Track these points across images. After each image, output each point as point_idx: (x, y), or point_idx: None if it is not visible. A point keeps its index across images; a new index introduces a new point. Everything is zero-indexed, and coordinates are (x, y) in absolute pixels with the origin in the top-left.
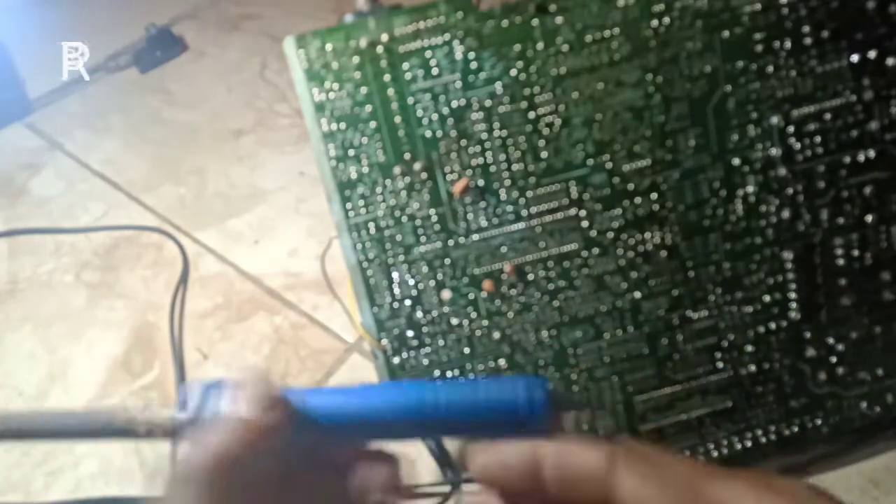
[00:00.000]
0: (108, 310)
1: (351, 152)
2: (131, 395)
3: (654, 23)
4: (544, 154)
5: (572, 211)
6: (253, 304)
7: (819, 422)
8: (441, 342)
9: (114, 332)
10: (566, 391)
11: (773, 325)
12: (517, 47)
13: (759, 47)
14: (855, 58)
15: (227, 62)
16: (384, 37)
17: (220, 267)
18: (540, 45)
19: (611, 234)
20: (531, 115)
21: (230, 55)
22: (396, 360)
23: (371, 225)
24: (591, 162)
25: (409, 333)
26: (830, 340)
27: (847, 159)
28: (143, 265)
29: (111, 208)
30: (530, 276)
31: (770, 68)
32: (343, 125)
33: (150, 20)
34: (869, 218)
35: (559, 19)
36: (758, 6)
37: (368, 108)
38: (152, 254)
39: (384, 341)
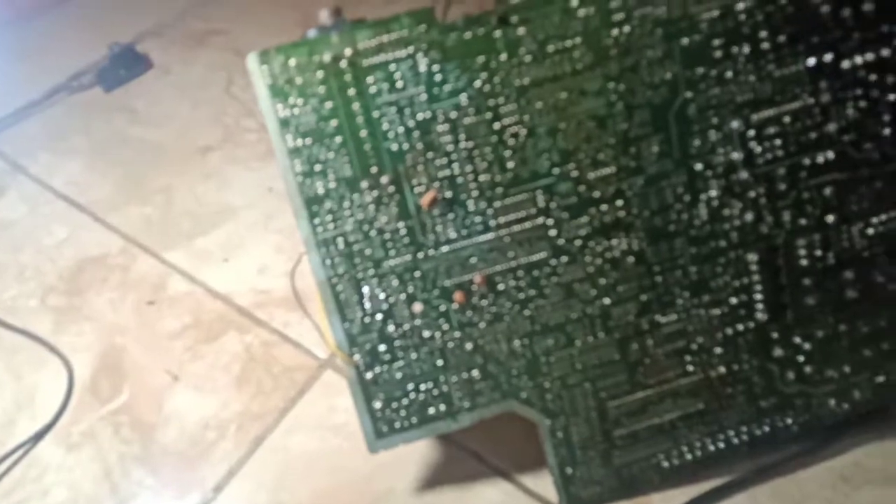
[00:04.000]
0: (75, 334)
1: (317, 167)
2: (100, 420)
3: (615, 31)
4: (510, 164)
5: (540, 220)
6: (223, 323)
7: (789, 421)
8: (414, 355)
9: (81, 356)
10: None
11: (740, 327)
12: (481, 59)
13: (718, 53)
14: (812, 61)
15: (193, 79)
16: (348, 51)
17: (189, 286)
18: (503, 57)
19: (578, 242)
20: (496, 125)
21: (195, 71)
22: (369, 374)
23: (339, 240)
24: (556, 171)
25: (382, 348)
26: (797, 340)
27: (807, 161)
28: (109, 287)
29: (75, 230)
30: (501, 287)
31: (729, 74)
32: (309, 140)
33: (113, 38)
34: (830, 218)
35: (521, 30)
36: (715, 13)
37: (334, 122)
38: (118, 275)
39: (356, 356)
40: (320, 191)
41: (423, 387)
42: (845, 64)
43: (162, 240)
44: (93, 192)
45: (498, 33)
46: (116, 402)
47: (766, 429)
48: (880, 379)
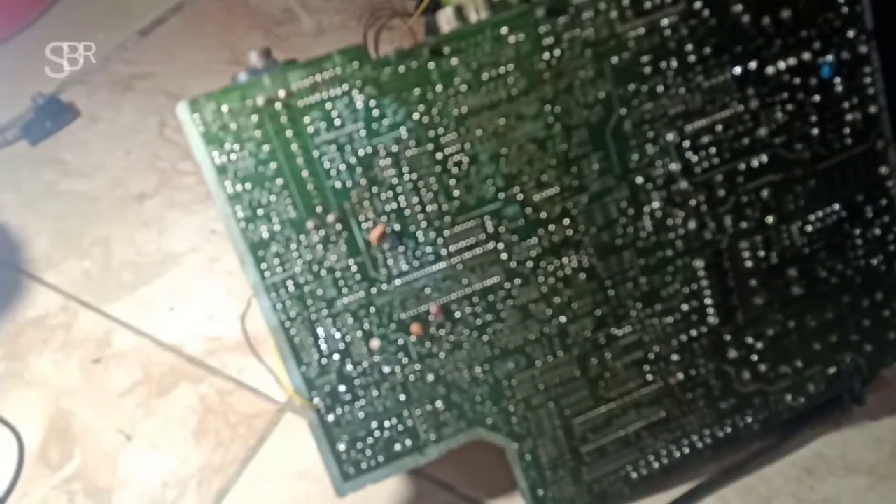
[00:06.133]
0: (18, 401)
1: (260, 212)
2: (53, 490)
3: (546, 55)
4: (456, 192)
5: (490, 245)
6: (174, 375)
7: (749, 419)
8: (375, 392)
9: (28, 423)
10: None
11: (694, 332)
12: (417, 91)
13: (648, 69)
14: (737, 70)
15: (123, 125)
16: (281, 93)
17: (136, 340)
18: (439, 88)
19: (530, 264)
20: (439, 155)
21: (125, 117)
22: (331, 417)
23: (289, 283)
24: (502, 195)
25: (342, 388)
26: (749, 340)
27: (742, 166)
28: (51, 348)
29: (11, 292)
30: (457, 314)
31: (660, 88)
32: (249, 185)
33: (35, 89)
34: (770, 219)
35: (454, 60)
36: (641, 30)
37: (273, 165)
38: (60, 336)
39: (316, 400)
40: (265, 235)
41: (387, 423)
42: (769, 70)
43: (103, 294)
44: (26, 250)
45: (432, 65)
46: (68, 468)
47: (728, 429)
48: (832, 370)
